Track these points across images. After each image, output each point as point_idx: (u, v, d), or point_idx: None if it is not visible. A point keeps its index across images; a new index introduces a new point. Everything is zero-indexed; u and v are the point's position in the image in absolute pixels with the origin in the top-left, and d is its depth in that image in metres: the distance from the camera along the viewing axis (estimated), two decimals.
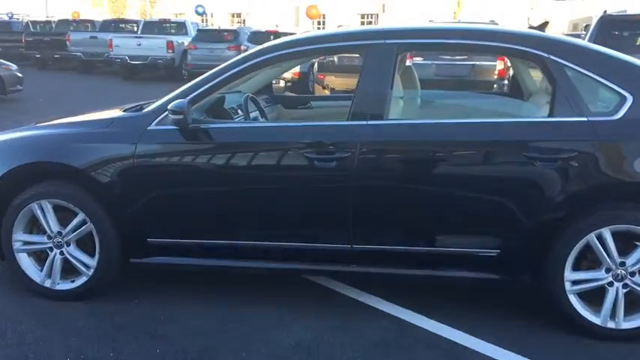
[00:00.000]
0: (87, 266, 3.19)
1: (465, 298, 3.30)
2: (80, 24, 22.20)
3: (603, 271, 2.82)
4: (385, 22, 36.77)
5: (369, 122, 2.93)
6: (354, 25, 34.91)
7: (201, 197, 3.10)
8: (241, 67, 3.15)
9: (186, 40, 17.28)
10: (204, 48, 16.17)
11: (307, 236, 3.05)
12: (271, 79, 4.87)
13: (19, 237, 3.23)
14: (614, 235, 2.78)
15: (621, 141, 2.79)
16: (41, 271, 3.25)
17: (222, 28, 20.10)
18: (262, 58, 3.18)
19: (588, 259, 2.87)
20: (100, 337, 2.89)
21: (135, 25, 20.73)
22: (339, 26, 25.18)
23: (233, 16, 44.06)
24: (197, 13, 32.38)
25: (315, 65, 11.94)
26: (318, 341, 2.86)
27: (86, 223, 3.13)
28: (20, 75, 11.82)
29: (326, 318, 3.08)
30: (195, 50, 16.34)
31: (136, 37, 17.43)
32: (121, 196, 3.10)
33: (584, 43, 3.50)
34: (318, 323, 3.02)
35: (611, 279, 2.82)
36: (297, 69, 11.96)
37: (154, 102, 3.29)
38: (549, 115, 2.90)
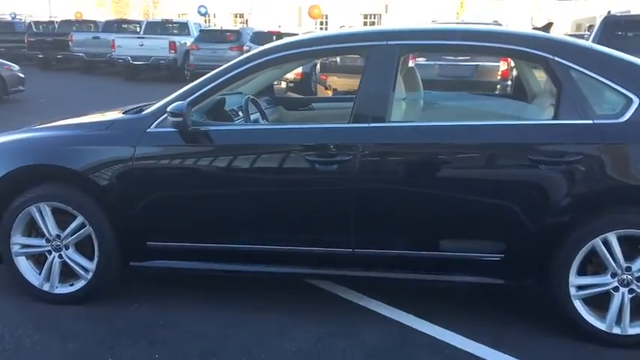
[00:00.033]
0: (86, 270, 3.16)
1: (466, 303, 3.26)
2: (83, 24, 22.22)
3: (609, 276, 2.78)
4: (388, 23, 36.76)
5: (371, 125, 2.90)
6: (356, 25, 34.88)
7: (201, 200, 3.07)
8: (242, 68, 3.11)
9: (188, 41, 17.26)
10: (206, 48, 16.14)
11: (308, 240, 3.01)
12: (272, 81, 4.83)
13: (17, 240, 3.20)
14: (619, 239, 2.74)
15: (627, 144, 2.75)
16: (40, 274, 3.22)
17: (224, 28, 20.08)
18: (263, 59, 3.14)
19: (594, 264, 2.83)
20: (98, 342, 2.86)
21: (137, 25, 20.74)
22: (341, 27, 25.18)
23: (236, 16, 44.07)
24: (200, 13, 32.39)
25: (318, 66, 11.91)
26: (319, 347, 2.82)
27: (85, 226, 3.10)
28: (22, 75, 11.81)
29: (327, 323, 3.04)
30: (197, 51, 16.31)
31: (139, 38, 17.40)
32: (120, 199, 3.07)
33: (590, 44, 3.46)
34: (319, 328, 2.99)
35: (616, 284, 2.77)
36: (299, 69, 11.93)
37: (153, 104, 3.26)
38: (554, 118, 2.85)
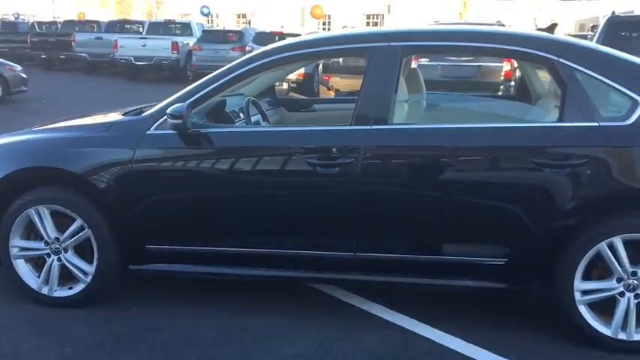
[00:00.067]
0: (85, 273, 3.13)
1: (469, 307, 3.22)
2: (86, 25, 22.23)
3: (614, 281, 2.74)
4: (391, 23, 36.73)
5: (373, 127, 2.86)
6: (359, 25, 34.84)
7: (201, 203, 3.03)
8: (243, 70, 3.08)
9: (191, 41, 17.26)
10: (208, 49, 16.13)
11: (309, 243, 2.97)
12: (274, 82, 4.80)
13: (16, 243, 3.17)
14: (625, 243, 2.70)
15: (634, 147, 2.71)
16: (38, 277, 3.19)
17: (226, 28, 20.07)
18: (264, 61, 3.10)
19: (599, 269, 2.79)
20: (97, 346, 2.82)
21: (140, 25, 20.73)
22: (343, 27, 25.15)
23: (239, 16, 44.07)
24: (202, 13, 32.41)
25: (320, 66, 11.88)
26: (320, 352, 2.79)
27: (84, 229, 3.07)
28: (24, 76, 11.82)
29: (328, 327, 3.01)
30: (200, 51, 16.31)
31: (141, 38, 17.40)
32: (120, 202, 3.04)
33: (595, 45, 3.42)
34: (320, 333, 2.95)
35: (622, 289, 2.73)
36: (301, 70, 11.92)
37: (153, 105, 3.23)
38: (559, 120, 2.81)
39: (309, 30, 20.37)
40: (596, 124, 2.71)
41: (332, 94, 11.23)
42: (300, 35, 12.96)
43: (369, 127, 2.86)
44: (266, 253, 3.02)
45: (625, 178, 2.71)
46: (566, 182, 2.70)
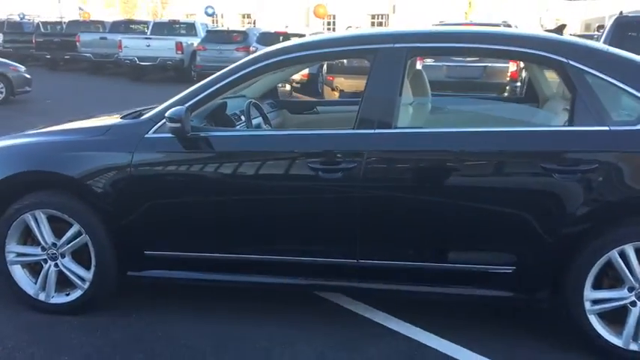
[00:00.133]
0: (82, 279, 3.07)
1: (475, 316, 3.14)
2: (90, 25, 22.22)
3: (626, 290, 2.65)
4: (395, 23, 36.62)
5: (377, 130, 2.78)
6: (364, 25, 34.75)
7: (200, 208, 2.97)
8: (245, 71, 3.01)
9: (195, 41, 17.20)
10: (213, 49, 16.08)
11: (311, 250, 2.90)
12: (276, 84, 4.72)
13: (12, 248, 3.12)
14: (637, 251, 2.61)
15: None
16: (35, 283, 3.13)
17: (231, 29, 20.02)
18: (267, 62, 3.03)
19: (610, 277, 2.70)
20: (93, 356, 2.76)
21: (145, 25, 20.71)
22: (348, 27, 25.06)
23: (243, 16, 44.05)
24: (207, 14, 32.37)
25: (325, 67, 11.81)
26: None
27: (81, 234, 3.01)
28: (28, 76, 11.81)
29: (332, 336, 2.93)
30: (204, 51, 16.25)
31: (146, 38, 17.36)
32: (118, 207, 2.97)
33: (605, 47, 3.32)
34: (323, 342, 2.88)
35: (634, 298, 2.65)
36: (306, 70, 11.86)
37: (153, 108, 3.16)
38: (568, 124, 2.73)
39: (314, 30, 20.31)
40: (606, 128, 2.62)
41: (336, 95, 11.16)
42: (304, 36, 12.93)
43: (372, 131, 2.79)
44: (267, 259, 2.95)
45: (637, 184, 2.63)
46: (575, 188, 2.62)
